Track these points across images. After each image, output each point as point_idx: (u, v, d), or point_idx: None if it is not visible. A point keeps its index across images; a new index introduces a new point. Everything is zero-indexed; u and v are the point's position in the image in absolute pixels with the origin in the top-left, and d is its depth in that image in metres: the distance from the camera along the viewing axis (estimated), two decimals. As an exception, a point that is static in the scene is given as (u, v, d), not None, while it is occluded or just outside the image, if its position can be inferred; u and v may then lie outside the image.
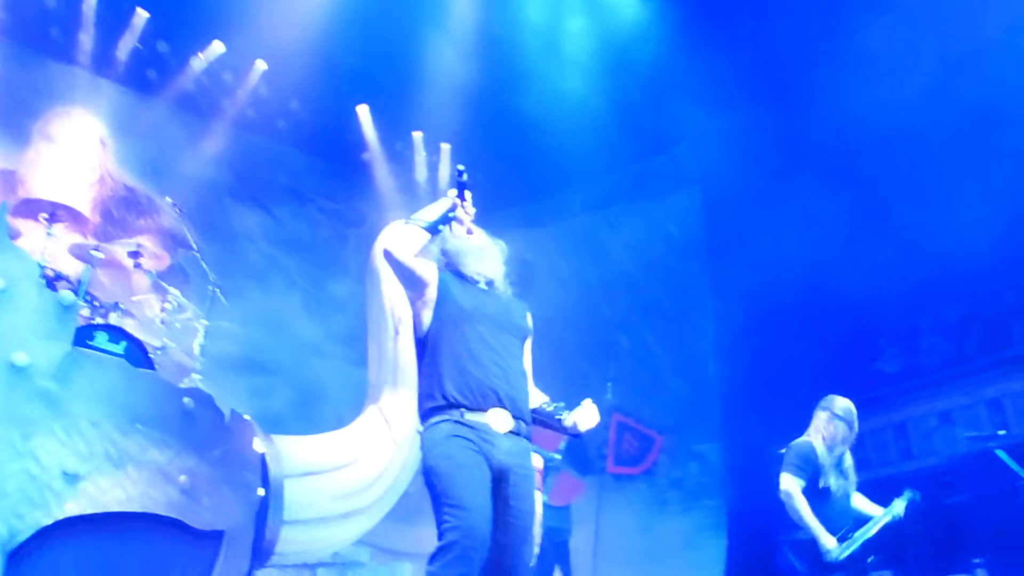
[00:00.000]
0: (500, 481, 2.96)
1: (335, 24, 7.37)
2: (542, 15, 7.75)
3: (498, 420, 3.00)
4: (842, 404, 4.82)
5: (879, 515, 4.67)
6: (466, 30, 7.64)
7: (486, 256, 3.34)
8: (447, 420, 2.98)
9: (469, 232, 3.31)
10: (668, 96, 7.73)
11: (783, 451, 4.76)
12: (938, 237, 6.36)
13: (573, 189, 9.15)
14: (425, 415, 3.08)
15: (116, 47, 7.52)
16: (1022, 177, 5.80)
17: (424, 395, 3.11)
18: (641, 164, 8.93)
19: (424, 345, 3.19)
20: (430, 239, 3.21)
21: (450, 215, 3.25)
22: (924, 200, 6.52)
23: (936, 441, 6.44)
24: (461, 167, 3.29)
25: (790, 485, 4.58)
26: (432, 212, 3.24)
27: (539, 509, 3.28)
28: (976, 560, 5.18)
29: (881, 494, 4.90)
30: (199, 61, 7.88)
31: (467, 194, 3.28)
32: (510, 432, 3.02)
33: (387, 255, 3.12)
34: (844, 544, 4.47)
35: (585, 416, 3.16)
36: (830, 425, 4.76)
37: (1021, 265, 6.09)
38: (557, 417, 3.21)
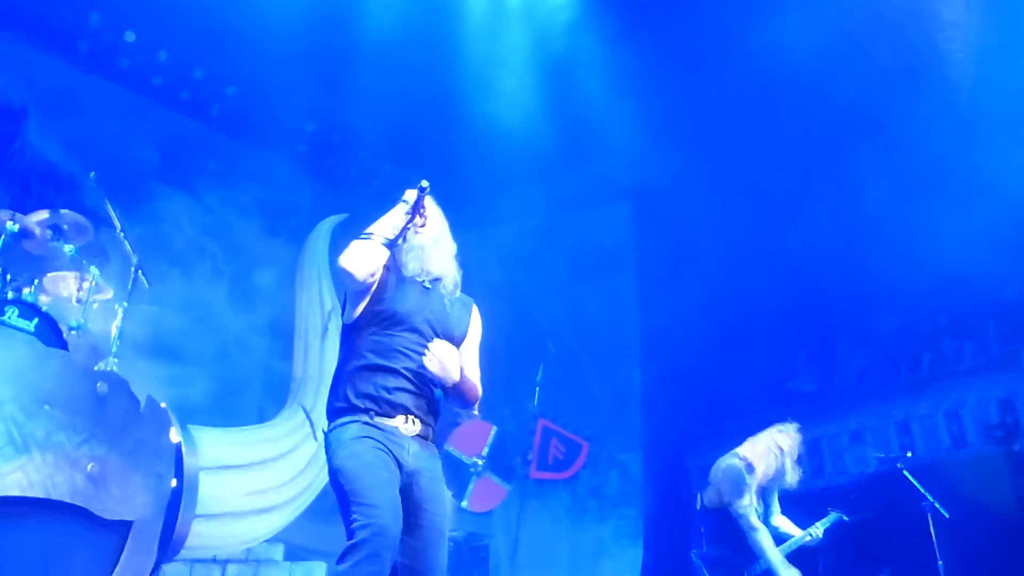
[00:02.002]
0: (410, 485, 2.93)
1: (275, 11, 7.23)
2: (480, 23, 7.75)
3: (406, 425, 2.99)
4: (782, 428, 4.92)
5: (797, 535, 4.79)
6: (401, 27, 7.58)
7: (433, 252, 3.24)
8: (355, 421, 2.94)
9: (422, 226, 3.20)
10: (602, 109, 7.84)
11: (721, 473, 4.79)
12: (859, 255, 6.61)
13: (507, 196, 9.21)
14: (333, 414, 3.02)
15: (46, 14, 7.22)
16: (944, 199, 6.07)
17: (334, 394, 3.06)
18: (575, 174, 9.05)
19: (347, 336, 3.13)
20: (390, 255, 3.09)
21: (408, 226, 3.15)
22: (848, 219, 6.76)
23: (847, 460, 6.68)
24: (425, 184, 3.15)
25: (750, 515, 4.56)
26: (390, 226, 3.10)
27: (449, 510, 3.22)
28: (882, 573, 5.38)
29: (794, 511, 5.05)
30: (132, 36, 7.63)
31: (427, 202, 3.19)
32: (418, 436, 3.02)
33: (348, 277, 2.98)
34: (758, 565, 4.55)
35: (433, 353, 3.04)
36: (765, 448, 4.85)
37: (938, 290, 6.35)
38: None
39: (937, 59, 6.24)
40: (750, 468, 4.77)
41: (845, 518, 4.93)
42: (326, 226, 7.94)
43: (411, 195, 3.16)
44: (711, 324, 7.23)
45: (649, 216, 8.69)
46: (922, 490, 4.99)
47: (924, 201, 6.19)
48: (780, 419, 5.01)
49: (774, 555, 4.56)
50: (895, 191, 6.53)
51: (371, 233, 3.05)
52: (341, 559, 2.71)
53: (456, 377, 3.06)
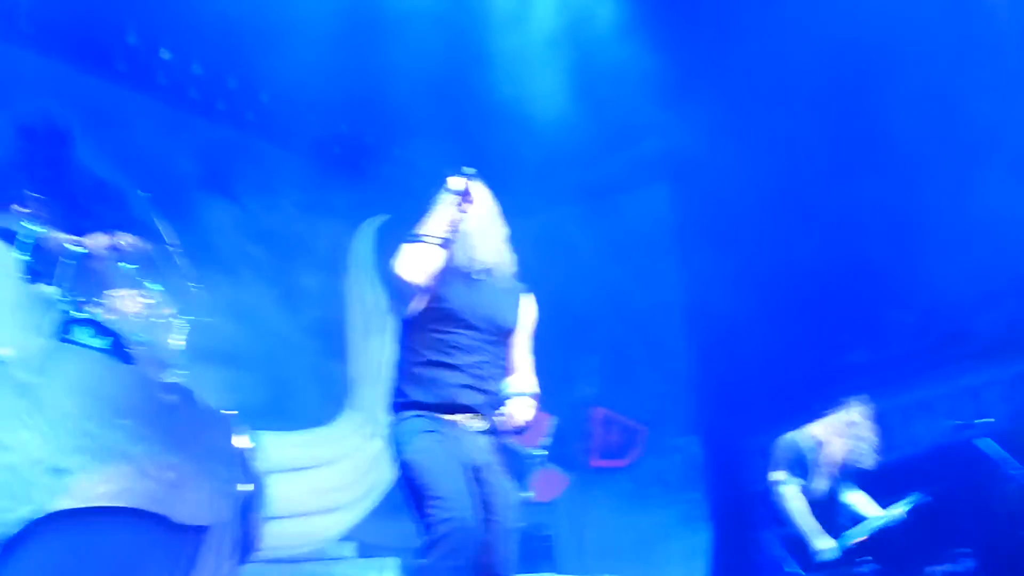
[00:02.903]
0: (475, 479, 2.94)
1: (306, 17, 7.30)
2: (510, 9, 7.74)
3: (469, 420, 3.01)
4: (867, 417, 4.84)
5: (877, 516, 4.71)
6: (434, 26, 7.60)
7: (481, 241, 3.15)
8: (419, 416, 2.96)
9: (468, 214, 3.10)
10: (637, 89, 7.79)
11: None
12: (911, 219, 6.49)
13: (542, 185, 9.20)
14: (395, 409, 3.04)
15: (86, 38, 7.37)
16: (993, 174, 5.95)
17: (397, 389, 3.06)
18: (610, 158, 8.99)
19: (405, 334, 3.12)
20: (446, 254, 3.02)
21: (458, 219, 3.06)
22: (896, 182, 6.65)
23: (917, 431, 6.54)
24: (471, 171, 3.09)
25: (782, 482, 4.59)
26: (440, 223, 3.02)
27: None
28: (961, 550, 5.25)
29: (866, 486, 4.96)
30: (167, 53, 7.77)
31: (474, 188, 3.10)
32: (481, 431, 3.03)
33: (404, 284, 2.95)
34: (840, 539, 4.51)
35: (509, 415, 3.00)
36: (844, 433, 4.79)
37: (1003, 250, 6.17)
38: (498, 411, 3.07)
39: (992, 24, 6.10)
40: (820, 445, 4.75)
41: (925, 499, 4.84)
42: (370, 227, 8.02)
43: (455, 184, 3.07)
44: (758, 301, 7.15)
45: (688, 198, 8.63)
46: (1009, 458, 4.74)
47: (982, 163, 6.05)
48: (845, 396, 4.94)
49: (807, 522, 4.53)
50: (949, 156, 6.40)
51: (422, 234, 2.99)
52: (423, 554, 2.72)
53: (526, 423, 3.02)
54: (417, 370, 3.02)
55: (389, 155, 9.44)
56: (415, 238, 2.98)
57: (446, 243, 3.00)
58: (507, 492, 3.04)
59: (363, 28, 7.57)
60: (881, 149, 6.94)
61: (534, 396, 3.12)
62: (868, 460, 4.77)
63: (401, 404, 3.03)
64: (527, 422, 3.03)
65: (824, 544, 4.48)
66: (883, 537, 4.74)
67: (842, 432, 4.80)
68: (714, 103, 7.68)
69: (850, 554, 4.57)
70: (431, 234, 2.98)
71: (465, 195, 3.06)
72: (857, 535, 4.60)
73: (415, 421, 2.95)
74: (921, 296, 6.90)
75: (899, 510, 4.74)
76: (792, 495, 4.58)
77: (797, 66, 7.03)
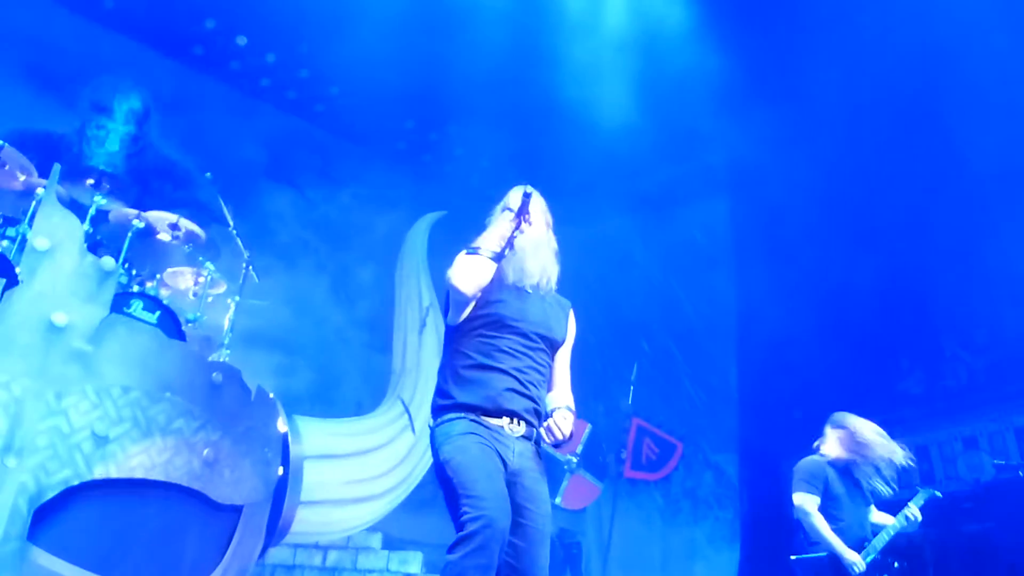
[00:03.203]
0: (513, 484, 2.95)
1: (380, 12, 7.41)
2: (581, 15, 7.73)
3: (512, 426, 3.02)
4: (843, 418, 4.87)
5: (893, 524, 4.68)
6: (504, 26, 7.64)
7: (533, 257, 3.21)
8: (462, 418, 2.98)
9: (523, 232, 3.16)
10: (702, 102, 7.71)
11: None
12: (972, 251, 6.29)
13: (601, 192, 9.16)
14: (439, 411, 3.07)
15: (167, 22, 7.63)
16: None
17: (442, 391, 3.09)
18: (671, 170, 8.91)
19: (452, 337, 3.15)
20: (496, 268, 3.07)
21: (514, 235, 3.12)
22: (958, 217, 6.45)
23: (960, 466, 6.37)
24: (530, 189, 3.13)
25: (805, 502, 4.60)
26: (496, 238, 3.08)
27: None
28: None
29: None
30: (243, 40, 7.97)
31: (532, 203, 3.16)
32: (522, 436, 3.04)
33: (457, 292, 3.00)
34: (863, 554, 4.49)
35: (554, 423, 3.06)
36: (833, 439, 4.81)
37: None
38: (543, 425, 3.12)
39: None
40: (832, 462, 4.71)
41: (938, 494, 4.75)
42: (425, 223, 8.12)
43: (514, 200, 3.14)
44: (812, 324, 7.01)
45: (748, 212, 8.48)
46: None
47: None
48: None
49: (834, 539, 4.48)
50: (1012, 183, 6.18)
51: (478, 247, 3.04)
52: (451, 550, 2.74)
53: (565, 437, 3.07)
54: (463, 372, 3.06)
55: (451, 153, 9.52)
56: (473, 250, 3.04)
57: (499, 257, 3.07)
58: (543, 499, 3.05)
59: (434, 26, 7.67)
60: (952, 174, 6.72)
61: (572, 411, 3.18)
62: (880, 456, 4.67)
63: (445, 405, 3.06)
64: (566, 436, 3.07)
65: (853, 557, 4.45)
66: (919, 570, 4.62)
67: (852, 448, 4.74)
68: (780, 117, 7.53)
69: (877, 566, 4.51)
70: (487, 247, 3.05)
71: (524, 213, 3.13)
72: (879, 545, 4.54)
73: (458, 422, 2.98)
74: (980, 330, 6.66)
75: (913, 511, 4.65)
76: (816, 514, 4.55)
77: (868, 83, 6.88)
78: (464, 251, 3.11)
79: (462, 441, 2.93)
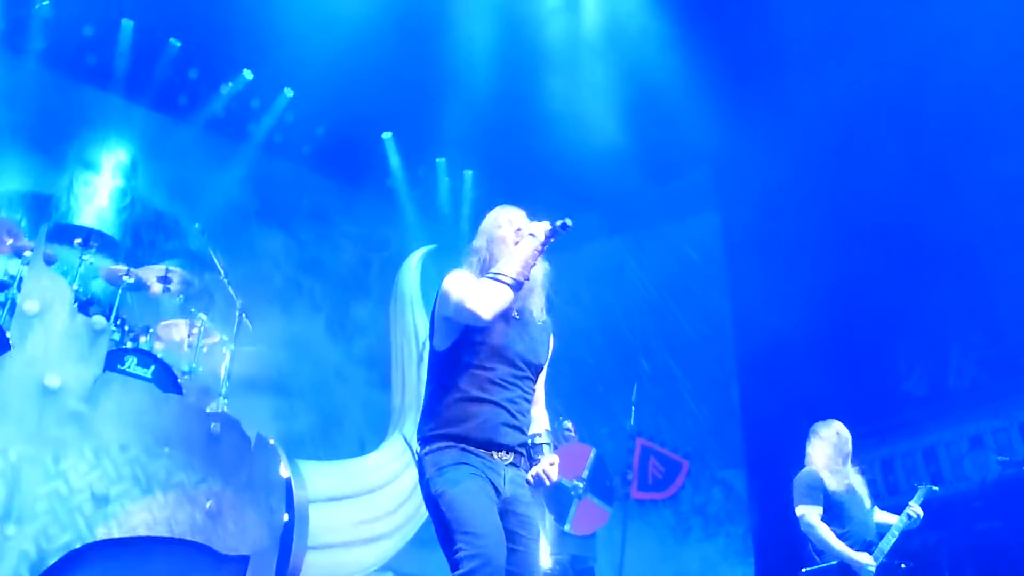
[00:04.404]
0: (505, 511, 2.92)
1: (361, 53, 7.48)
2: (562, 39, 7.80)
3: (501, 455, 2.98)
4: (823, 427, 4.89)
5: (897, 523, 4.67)
6: (489, 61, 7.72)
7: (540, 290, 3.18)
8: (452, 447, 2.92)
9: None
10: (687, 119, 7.75)
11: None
12: (968, 250, 6.28)
13: (593, 212, 9.18)
14: (428, 440, 2.99)
15: (150, 74, 7.70)
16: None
17: (430, 418, 3.02)
18: (660, 187, 8.94)
19: (441, 363, 3.08)
20: (514, 297, 3.01)
21: (534, 266, 3.06)
22: (952, 217, 6.46)
23: (967, 466, 6.33)
24: (569, 222, 3.02)
25: (807, 514, 4.60)
26: (520, 266, 3.00)
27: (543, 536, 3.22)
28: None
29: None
30: (228, 88, 8.05)
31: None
32: (511, 464, 3.00)
33: (473, 317, 2.91)
34: (872, 556, 4.48)
35: (543, 472, 3.06)
36: (819, 449, 4.81)
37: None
38: (535, 457, 3.12)
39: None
40: (823, 471, 4.70)
41: (935, 488, 4.73)
42: (416, 257, 8.14)
43: (539, 229, 3.05)
44: (810, 332, 6.99)
45: (739, 224, 8.50)
46: None
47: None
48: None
49: (841, 546, 4.47)
50: (1009, 183, 6.19)
51: (500, 274, 2.98)
52: None
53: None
54: (454, 403, 2.99)
55: (440, 186, 9.57)
56: (495, 276, 2.97)
57: (519, 286, 3.00)
58: (534, 524, 3.02)
59: (418, 63, 7.74)
60: (947, 175, 6.73)
61: (550, 433, 3.19)
62: (848, 468, 4.69)
63: (434, 435, 2.98)
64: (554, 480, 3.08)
65: (866, 560, 4.44)
66: (931, 570, 4.59)
67: (836, 452, 4.74)
68: (766, 127, 7.56)
69: (885, 568, 4.49)
70: (511, 274, 2.98)
71: (546, 244, 3.07)
72: (886, 548, 4.52)
73: (448, 452, 2.92)
74: (979, 327, 6.65)
75: (915, 509, 4.64)
76: (820, 524, 4.54)
77: (857, 88, 6.90)
78: (465, 269, 3.08)
79: (454, 473, 2.87)
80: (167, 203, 7.81)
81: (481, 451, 2.95)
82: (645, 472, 6.85)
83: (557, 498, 6.13)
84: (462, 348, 3.04)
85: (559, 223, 3.02)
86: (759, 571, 7.23)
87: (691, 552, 7.89)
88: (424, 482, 2.93)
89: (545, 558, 5.90)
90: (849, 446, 4.80)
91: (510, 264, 3.00)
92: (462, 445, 2.93)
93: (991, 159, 6.45)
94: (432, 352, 3.12)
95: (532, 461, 3.11)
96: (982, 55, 6.30)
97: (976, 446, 6.37)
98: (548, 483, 3.07)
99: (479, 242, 3.22)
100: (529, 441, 3.12)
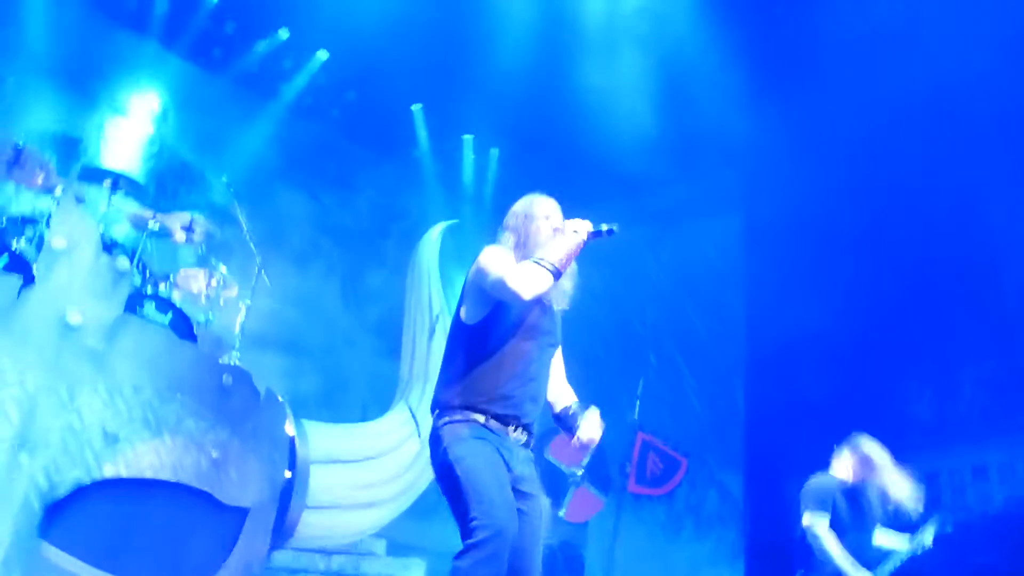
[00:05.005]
0: (514, 489, 2.96)
1: (398, 22, 7.46)
2: (600, 22, 7.75)
3: (515, 433, 3.05)
4: (868, 446, 4.78)
5: (905, 546, 4.65)
6: (524, 40, 7.68)
7: (570, 281, 3.27)
8: (471, 421, 2.97)
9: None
10: (720, 117, 7.71)
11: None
12: (988, 274, 6.25)
13: (614, 204, 9.15)
14: (449, 409, 3.02)
15: (187, 24, 7.70)
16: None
17: (452, 386, 3.05)
18: (686, 183, 8.91)
19: (470, 336, 3.11)
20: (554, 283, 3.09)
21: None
22: (978, 239, 6.42)
23: (969, 496, 6.31)
24: (616, 228, 3.12)
25: (814, 523, 4.56)
26: (563, 256, 3.06)
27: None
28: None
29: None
30: (262, 45, 8.04)
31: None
32: (523, 444, 3.08)
33: (514, 296, 2.97)
34: None
35: (588, 430, 3.16)
36: (852, 464, 4.74)
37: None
38: (573, 426, 3.22)
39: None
40: (842, 484, 4.68)
41: (949, 529, 4.71)
42: (437, 231, 8.15)
43: (582, 227, 3.12)
44: (821, 343, 6.99)
45: (760, 230, 8.48)
46: None
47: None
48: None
49: (843, 561, 4.45)
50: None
51: (544, 260, 3.03)
52: (460, 556, 2.74)
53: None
54: (480, 376, 3.04)
55: (464, 162, 9.56)
56: (539, 261, 3.03)
57: (558, 275, 3.06)
58: (540, 504, 3.09)
59: (450, 36, 7.72)
60: (971, 199, 6.68)
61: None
62: (896, 490, 4.64)
63: (456, 406, 3.01)
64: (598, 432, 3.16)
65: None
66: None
67: (863, 475, 4.71)
68: (796, 135, 7.53)
69: None
70: (554, 262, 3.04)
71: (587, 243, 3.13)
72: (889, 569, 4.52)
73: (468, 425, 2.97)
74: (994, 357, 6.62)
75: (926, 538, 4.62)
76: (827, 535, 4.52)
77: (884, 101, 6.85)
78: (502, 247, 3.14)
79: (473, 445, 2.92)
80: (194, 155, 7.82)
81: (500, 427, 3.01)
82: (644, 466, 6.88)
83: (555, 483, 6.18)
84: (492, 323, 3.10)
85: (605, 228, 3.11)
86: (746, 576, 7.27)
87: (680, 551, 7.93)
88: (441, 449, 2.97)
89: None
90: (876, 467, 4.73)
91: (554, 253, 3.06)
92: (483, 419, 2.99)
93: (1018, 182, 6.40)
94: (459, 323, 3.16)
95: (570, 431, 3.20)
96: (1017, 74, 6.25)
97: (980, 477, 6.34)
98: (593, 445, 3.18)
99: (514, 223, 3.28)
100: (568, 411, 3.24)
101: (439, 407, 3.07)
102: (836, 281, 7.14)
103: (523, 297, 2.97)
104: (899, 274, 6.91)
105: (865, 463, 4.73)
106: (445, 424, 3.00)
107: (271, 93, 8.43)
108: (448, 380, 3.10)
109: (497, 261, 3.06)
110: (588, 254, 3.25)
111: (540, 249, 3.10)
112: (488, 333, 3.09)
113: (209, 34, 7.88)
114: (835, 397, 6.78)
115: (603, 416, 3.21)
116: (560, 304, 3.29)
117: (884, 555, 4.66)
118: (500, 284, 2.99)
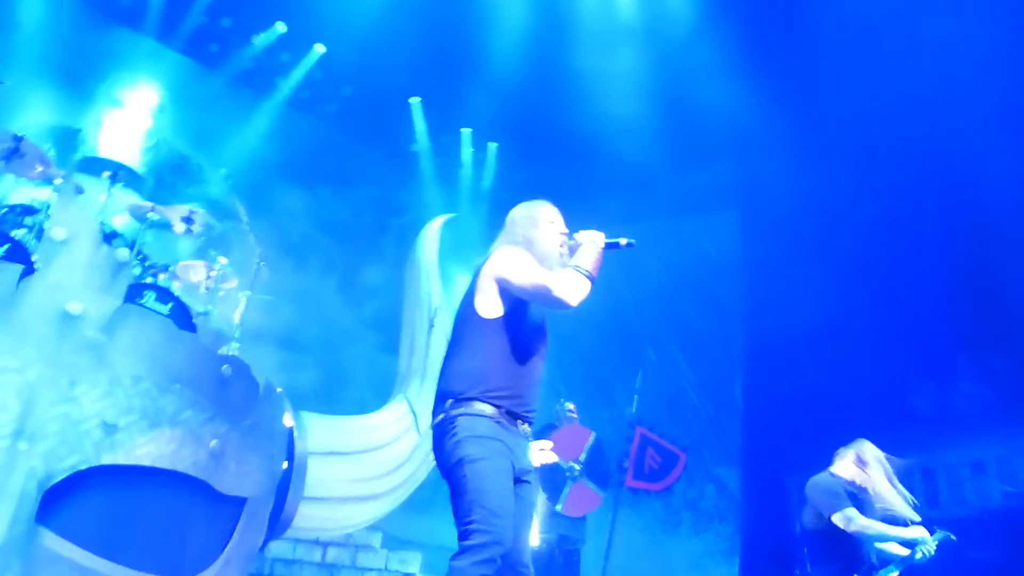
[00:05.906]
0: (517, 480, 3.00)
1: (395, 16, 7.46)
2: (597, 18, 7.74)
3: (524, 427, 3.08)
4: (870, 452, 4.75)
5: (906, 554, 4.62)
6: (522, 34, 7.69)
7: None
8: (487, 417, 2.97)
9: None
10: (716, 113, 7.72)
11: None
12: (988, 267, 6.25)
13: (612, 198, 9.17)
14: (466, 399, 2.99)
15: (183, 19, 7.70)
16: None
17: (467, 378, 3.02)
18: (683, 179, 8.92)
19: (484, 328, 3.09)
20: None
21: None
22: (977, 235, 6.43)
23: (967, 491, 6.29)
24: (634, 242, 3.20)
25: (849, 516, 4.44)
26: (597, 263, 3.13)
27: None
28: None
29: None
30: (259, 39, 8.04)
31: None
32: (526, 436, 3.13)
33: (560, 303, 3.01)
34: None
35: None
36: (852, 465, 4.70)
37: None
38: None
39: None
40: (845, 484, 4.67)
41: (953, 537, 4.70)
42: (437, 224, 8.14)
43: (597, 237, 3.17)
44: (820, 338, 6.98)
45: (758, 225, 8.49)
46: None
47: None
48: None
49: (890, 529, 4.42)
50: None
51: (583, 268, 3.08)
52: (459, 556, 2.76)
53: None
54: (497, 370, 3.04)
55: (462, 157, 9.56)
56: (578, 268, 3.08)
57: (594, 282, 3.12)
58: (533, 487, 3.13)
59: (447, 32, 7.72)
60: (968, 196, 6.69)
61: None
62: (889, 499, 4.63)
63: (472, 398, 2.99)
64: None
65: (914, 534, 4.38)
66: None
67: (857, 468, 4.70)
68: (793, 132, 7.54)
69: None
70: (590, 270, 3.09)
71: (607, 251, 3.19)
72: (888, 573, 4.51)
73: (485, 421, 2.96)
74: (995, 352, 6.62)
75: (930, 546, 4.61)
76: (866, 520, 4.45)
77: (882, 97, 6.87)
78: (519, 248, 3.15)
79: (490, 445, 2.92)
80: (192, 148, 7.83)
81: (510, 422, 3.03)
82: (642, 461, 6.86)
83: (551, 478, 6.17)
84: (511, 320, 3.11)
85: (624, 241, 3.18)
86: (744, 572, 7.27)
87: (678, 546, 7.94)
88: (453, 440, 2.95)
89: (534, 536, 5.95)
90: (883, 469, 4.73)
91: (588, 260, 3.11)
92: (498, 415, 2.99)
93: (1016, 178, 6.42)
94: (474, 315, 3.11)
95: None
96: (1013, 76, 6.27)
97: (978, 472, 6.33)
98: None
99: (519, 226, 3.28)
100: None
101: (453, 397, 3.03)
102: (834, 275, 7.14)
103: (570, 305, 3.02)
104: (897, 269, 6.92)
105: (864, 468, 4.71)
106: (461, 415, 2.97)
107: (268, 88, 8.44)
108: (463, 371, 3.06)
109: (531, 266, 3.08)
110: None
111: (574, 257, 3.14)
112: (508, 330, 3.09)
113: (205, 29, 7.89)
114: (833, 392, 6.78)
115: (601, 411, 3.24)
116: None
117: (885, 562, 4.63)
118: (544, 291, 3.01)
